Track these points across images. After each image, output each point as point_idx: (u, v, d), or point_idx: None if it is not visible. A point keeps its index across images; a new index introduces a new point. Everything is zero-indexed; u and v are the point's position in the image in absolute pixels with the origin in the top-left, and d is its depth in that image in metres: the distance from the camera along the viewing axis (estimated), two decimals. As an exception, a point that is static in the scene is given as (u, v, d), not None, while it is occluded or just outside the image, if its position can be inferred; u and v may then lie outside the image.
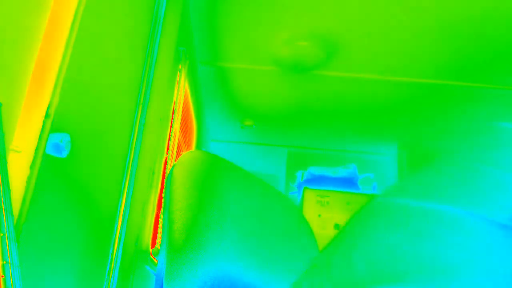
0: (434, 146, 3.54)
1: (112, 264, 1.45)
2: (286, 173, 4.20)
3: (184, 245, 0.76)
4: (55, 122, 0.98)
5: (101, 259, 1.42)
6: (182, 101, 2.25)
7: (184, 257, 0.75)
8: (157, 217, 1.93)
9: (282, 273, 0.90)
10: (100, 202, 1.39)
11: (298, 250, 1.01)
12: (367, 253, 0.57)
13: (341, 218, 3.32)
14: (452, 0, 2.16)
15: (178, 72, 2.16)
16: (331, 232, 3.26)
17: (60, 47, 1.00)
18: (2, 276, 0.67)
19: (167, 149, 2.06)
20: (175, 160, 2.08)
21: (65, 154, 1.04)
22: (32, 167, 0.91)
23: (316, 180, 3.60)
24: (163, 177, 1.97)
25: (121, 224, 1.50)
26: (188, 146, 3.05)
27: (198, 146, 3.44)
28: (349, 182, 3.58)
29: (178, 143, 2.42)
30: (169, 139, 2.08)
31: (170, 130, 2.10)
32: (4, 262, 0.69)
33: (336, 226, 3.30)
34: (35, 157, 0.91)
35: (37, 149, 0.92)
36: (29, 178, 0.90)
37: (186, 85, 2.55)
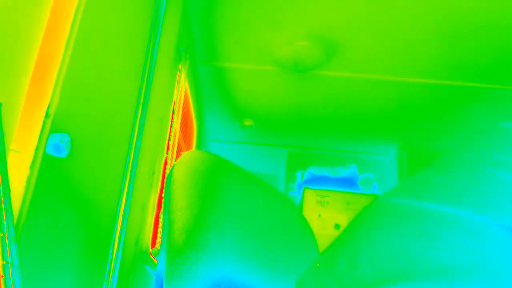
0: (434, 146, 3.54)
1: (112, 264, 1.45)
2: (286, 173, 4.20)
3: (184, 245, 0.76)
4: (55, 122, 0.98)
5: (101, 259, 1.42)
6: (182, 101, 2.25)
7: (184, 257, 0.75)
8: (157, 217, 1.93)
9: (282, 273, 0.90)
10: (100, 202, 1.39)
11: (298, 250, 1.01)
12: (371, 253, 0.57)
13: (341, 218, 3.32)
14: (452, 0, 2.16)
15: (178, 72, 2.16)
16: (331, 232, 3.26)
17: (60, 47, 1.00)
18: (2, 276, 0.67)
19: (167, 149, 2.06)
20: (175, 160, 2.08)
21: (65, 154, 1.04)
22: (32, 167, 0.91)
23: (316, 180, 3.60)
24: (163, 177, 1.97)
25: (121, 224, 1.50)
26: (188, 146, 3.05)
27: (198, 146, 3.44)
28: (349, 182, 3.58)
29: (178, 143, 2.42)
30: (169, 139, 2.08)
31: (170, 130, 2.10)
32: (4, 262, 0.69)
33: (336, 226, 3.30)
34: (35, 157, 0.91)
35: (37, 149, 0.92)
36: (29, 178, 0.90)
37: (186, 85, 2.55)
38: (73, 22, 1.04)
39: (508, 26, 2.31)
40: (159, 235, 2.02)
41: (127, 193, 1.54)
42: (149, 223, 1.78)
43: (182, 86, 2.24)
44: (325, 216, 3.36)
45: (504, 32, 2.36)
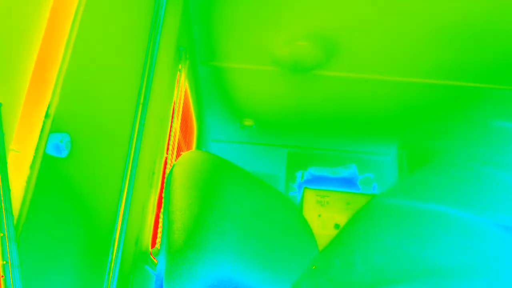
0: (434, 146, 3.54)
1: (112, 264, 1.45)
2: (286, 173, 4.20)
3: (184, 245, 0.76)
4: (55, 122, 0.98)
5: (101, 259, 1.42)
6: (182, 101, 2.25)
7: (184, 257, 0.75)
8: (157, 217, 1.93)
9: (282, 273, 0.90)
10: (100, 202, 1.39)
11: (298, 250, 1.01)
12: (366, 254, 0.56)
13: (341, 218, 3.32)
14: (452, 0, 2.16)
15: (178, 72, 2.16)
16: (331, 232, 3.26)
17: (60, 47, 1.00)
18: (2, 276, 0.67)
19: (167, 149, 2.06)
20: (175, 160, 2.08)
21: (65, 154, 1.04)
22: (32, 167, 0.91)
23: (316, 180, 3.60)
24: (163, 177, 1.97)
25: (121, 224, 1.50)
26: (188, 146, 3.05)
27: (198, 146, 3.44)
28: (349, 182, 3.58)
29: (178, 143, 2.42)
30: (169, 139, 2.08)
31: (170, 130, 2.10)
32: (4, 262, 0.69)
33: (336, 226, 3.30)
34: (35, 157, 0.91)
35: (37, 149, 0.92)
36: (29, 178, 0.90)
37: (186, 85, 2.55)
38: (73, 22, 1.04)
39: (508, 26, 2.31)
40: (159, 235, 2.02)
41: (127, 193, 1.54)
42: (149, 223, 1.78)
43: (182, 86, 2.24)
44: (325, 216, 3.36)
45: (504, 32, 2.36)
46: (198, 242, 0.77)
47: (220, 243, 0.80)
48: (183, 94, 2.26)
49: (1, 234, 0.70)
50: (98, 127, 1.32)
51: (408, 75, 2.83)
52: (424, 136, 3.63)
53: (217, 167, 0.91)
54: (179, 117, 2.22)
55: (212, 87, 3.22)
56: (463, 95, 3.00)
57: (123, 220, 1.51)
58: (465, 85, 2.87)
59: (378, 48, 2.58)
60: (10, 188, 0.76)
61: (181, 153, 2.62)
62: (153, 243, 1.92)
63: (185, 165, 0.86)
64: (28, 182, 0.90)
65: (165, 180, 0.86)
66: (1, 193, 0.73)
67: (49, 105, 0.96)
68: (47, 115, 0.95)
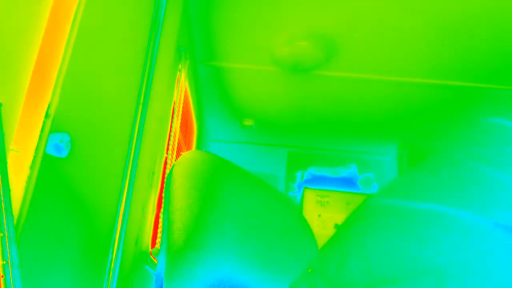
0: (435, 146, 3.54)
1: (112, 264, 1.45)
2: (286, 173, 4.20)
3: (184, 245, 0.76)
4: (55, 122, 0.98)
5: (101, 259, 1.42)
6: (182, 101, 2.25)
7: (184, 257, 0.75)
8: (157, 217, 1.93)
9: (282, 273, 0.90)
10: (100, 202, 1.39)
11: (298, 250, 1.01)
12: (361, 255, 0.56)
13: (341, 218, 3.32)
14: (452, 1, 2.16)
15: (178, 72, 2.16)
16: (331, 232, 3.26)
17: (60, 47, 1.00)
18: (2, 276, 0.67)
19: (167, 149, 2.06)
20: (175, 160, 2.08)
21: (65, 154, 1.04)
22: (32, 167, 0.91)
23: (316, 180, 3.60)
24: (163, 177, 1.97)
25: (121, 224, 1.50)
26: (188, 146, 3.05)
27: (198, 146, 3.44)
28: (349, 182, 3.58)
29: (178, 143, 2.42)
30: (169, 139, 2.08)
31: (170, 130, 2.10)
32: (4, 262, 0.69)
33: (336, 226, 3.30)
34: (35, 157, 0.91)
35: (37, 149, 0.92)
36: (29, 178, 0.90)
37: (186, 85, 2.55)
38: (73, 22, 1.04)
39: (509, 26, 2.31)
40: (159, 235, 2.02)
41: (127, 193, 1.54)
42: (149, 223, 1.78)
43: (182, 86, 2.24)
44: (325, 216, 3.36)
45: (504, 32, 2.36)
46: (198, 242, 0.77)
47: (220, 243, 0.80)
48: (183, 94, 2.26)
49: (1, 234, 0.70)
50: (98, 127, 1.32)
51: (408, 75, 2.83)
52: (424, 136, 3.64)
53: (217, 167, 0.91)
54: (179, 117, 2.22)
55: (212, 87, 3.22)
56: (463, 95, 3.00)
57: (123, 220, 1.51)
58: (465, 85, 2.87)
59: (378, 48, 2.58)
60: (10, 188, 0.76)
61: (181, 153, 2.62)
62: (153, 243, 1.92)
63: (185, 165, 0.86)
64: (28, 182, 0.90)
65: (165, 180, 0.86)
66: (1, 193, 0.73)
67: (49, 105, 0.96)
68: (47, 115, 0.95)
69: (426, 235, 0.53)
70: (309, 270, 0.63)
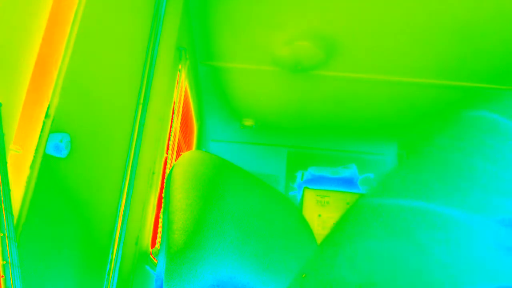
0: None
1: (112, 264, 1.45)
2: (286, 173, 4.20)
3: (184, 245, 0.76)
4: (55, 122, 0.98)
5: (101, 259, 1.42)
6: (182, 101, 2.25)
7: (184, 257, 0.75)
8: (157, 217, 1.93)
9: (282, 273, 0.90)
10: (100, 202, 1.39)
11: (298, 250, 1.01)
12: (352, 257, 0.56)
13: (341, 218, 3.31)
14: (453, 0, 2.16)
15: (178, 72, 2.16)
16: (331, 232, 3.26)
17: (60, 47, 1.00)
18: (2, 276, 0.67)
19: (167, 149, 2.06)
20: (175, 160, 2.07)
21: (65, 154, 1.04)
22: (32, 167, 0.91)
23: (316, 180, 3.60)
24: (163, 177, 1.97)
25: (121, 224, 1.50)
26: (188, 146, 3.05)
27: (198, 146, 3.44)
28: (349, 182, 3.58)
29: (178, 143, 2.42)
30: (169, 139, 2.08)
31: (170, 130, 2.10)
32: (4, 262, 0.69)
33: (336, 226, 3.29)
34: (35, 157, 0.91)
35: (37, 149, 0.92)
36: (29, 178, 0.90)
37: (186, 85, 2.55)
38: (73, 22, 1.04)
39: (509, 27, 2.31)
40: (159, 235, 2.02)
41: (127, 193, 1.54)
42: (149, 223, 1.78)
43: (182, 86, 2.24)
44: (325, 216, 3.36)
45: (504, 33, 2.36)
46: (198, 243, 0.77)
47: (220, 244, 0.80)
48: (183, 94, 2.26)
49: (1, 234, 0.70)
50: (98, 127, 1.32)
51: (408, 75, 2.83)
52: (424, 136, 3.63)
53: (217, 167, 0.91)
54: (179, 117, 2.22)
55: (212, 87, 3.22)
56: (463, 95, 3.00)
57: (123, 220, 1.51)
58: (465, 85, 2.87)
59: (378, 48, 2.58)
60: (10, 188, 0.76)
61: (181, 153, 2.62)
62: (153, 243, 1.92)
63: (185, 165, 0.86)
64: (28, 182, 0.90)
65: (165, 180, 0.86)
66: (1, 193, 0.73)
67: (49, 105, 0.96)
68: (47, 115, 0.95)
69: (417, 234, 0.53)
70: (303, 276, 0.63)
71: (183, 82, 2.24)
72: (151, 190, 1.76)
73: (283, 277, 0.90)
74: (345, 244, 0.58)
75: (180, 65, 2.16)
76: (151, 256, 1.80)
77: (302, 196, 3.47)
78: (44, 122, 0.94)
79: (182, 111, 2.33)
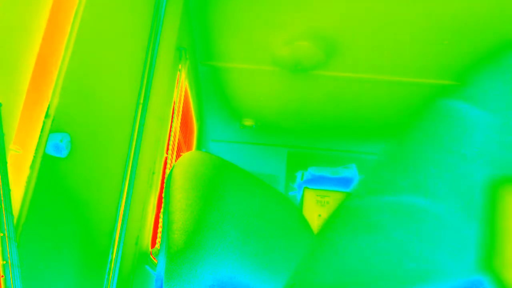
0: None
1: (112, 264, 1.45)
2: (286, 173, 4.20)
3: (184, 245, 0.76)
4: (55, 122, 0.98)
5: (101, 259, 1.42)
6: (182, 101, 2.25)
7: (184, 257, 0.75)
8: (157, 217, 1.93)
9: (282, 273, 0.90)
10: (100, 202, 1.39)
11: (298, 250, 1.01)
12: (334, 261, 0.56)
13: (341, 218, 3.31)
14: (453, 0, 2.16)
15: (178, 72, 2.16)
16: (331, 232, 3.26)
17: (60, 47, 1.00)
18: (2, 276, 0.67)
19: (167, 149, 2.06)
20: (175, 160, 2.07)
21: (65, 154, 1.04)
22: (32, 167, 0.91)
23: (316, 180, 3.60)
24: (163, 177, 1.97)
25: (121, 224, 1.50)
26: (188, 146, 3.05)
27: (198, 146, 3.44)
28: (349, 182, 3.58)
29: (178, 143, 2.42)
30: (169, 139, 2.08)
31: (170, 130, 2.10)
32: (4, 262, 0.69)
33: (336, 226, 3.29)
34: (35, 157, 0.91)
35: (37, 149, 0.92)
36: (29, 178, 0.90)
37: (186, 85, 2.55)
38: (73, 22, 1.04)
39: (509, 27, 2.31)
40: (159, 235, 2.02)
41: (127, 193, 1.54)
42: (149, 223, 1.78)
43: (182, 86, 2.24)
44: (325, 216, 3.36)
45: (505, 33, 2.36)
46: (198, 243, 0.77)
47: (220, 244, 0.80)
48: (183, 94, 2.26)
49: (1, 234, 0.70)
50: (98, 127, 1.32)
51: (408, 75, 2.83)
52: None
53: (217, 167, 0.91)
54: (179, 117, 2.22)
55: (212, 87, 3.22)
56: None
57: (123, 220, 1.51)
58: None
59: (378, 48, 2.58)
60: (10, 188, 0.76)
61: (181, 153, 2.62)
62: (153, 243, 1.92)
63: (185, 166, 0.86)
64: (28, 182, 0.90)
65: (165, 181, 0.86)
66: (1, 193, 0.73)
67: (49, 105, 0.96)
68: (47, 115, 0.95)
69: (391, 230, 0.53)
70: (293, 284, 0.63)
71: (183, 82, 2.24)
72: (151, 190, 1.76)
73: (283, 277, 0.90)
74: (326, 248, 0.59)
75: (180, 65, 2.16)
76: (151, 256, 1.80)
77: (302, 196, 3.47)
78: (44, 122, 0.94)
79: (182, 111, 2.33)
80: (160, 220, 1.99)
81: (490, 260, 0.47)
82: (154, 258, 1.81)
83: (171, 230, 0.77)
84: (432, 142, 0.59)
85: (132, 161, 1.58)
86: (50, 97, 0.96)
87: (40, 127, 0.93)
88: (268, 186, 1.04)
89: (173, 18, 1.95)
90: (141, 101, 1.66)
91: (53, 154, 1.01)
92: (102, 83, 1.32)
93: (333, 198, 3.41)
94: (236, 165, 0.96)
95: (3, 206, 0.73)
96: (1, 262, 0.68)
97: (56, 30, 0.99)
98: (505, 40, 2.42)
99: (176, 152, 2.31)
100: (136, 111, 1.65)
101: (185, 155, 0.89)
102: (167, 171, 2.07)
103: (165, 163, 2.04)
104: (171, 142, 2.13)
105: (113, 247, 1.47)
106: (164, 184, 0.86)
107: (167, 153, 2.05)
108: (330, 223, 0.63)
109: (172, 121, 2.11)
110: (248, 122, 3.73)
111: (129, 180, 1.56)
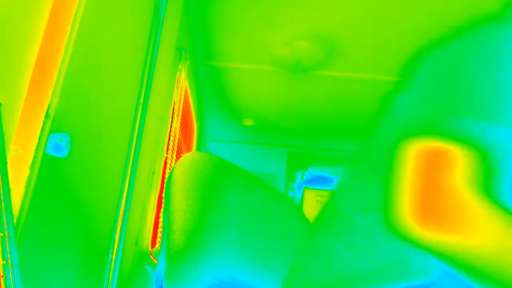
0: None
1: (112, 264, 1.45)
2: (286, 173, 4.20)
3: (184, 245, 0.76)
4: (55, 122, 0.98)
5: (101, 259, 1.42)
6: (182, 101, 2.25)
7: (184, 257, 0.75)
8: (157, 217, 1.93)
9: (282, 273, 0.90)
10: (100, 202, 1.39)
11: (298, 250, 1.01)
12: (315, 267, 0.58)
13: (341, 218, 3.31)
14: (452, 0, 2.16)
15: (178, 72, 2.16)
16: (331, 232, 3.26)
17: (60, 47, 1.00)
18: (2, 276, 0.67)
19: (167, 149, 2.06)
20: (175, 161, 2.07)
21: (65, 154, 1.04)
22: (32, 167, 0.91)
23: (316, 180, 3.60)
24: (163, 177, 1.97)
25: (121, 224, 1.50)
26: (188, 146, 3.05)
27: (198, 146, 3.44)
28: (349, 182, 3.57)
29: (178, 143, 2.42)
30: (169, 139, 2.08)
31: (170, 130, 2.10)
32: (4, 262, 0.69)
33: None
34: (35, 157, 0.91)
35: (37, 149, 0.92)
36: (29, 178, 0.90)
37: (186, 85, 2.55)
38: (73, 22, 1.04)
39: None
40: (159, 235, 2.02)
41: (127, 193, 1.54)
42: (149, 223, 1.78)
43: (182, 86, 2.24)
44: (325, 216, 3.36)
45: (504, 33, 2.36)
46: (198, 243, 0.77)
47: (220, 244, 0.80)
48: (183, 94, 2.26)
49: (1, 234, 0.70)
50: (98, 127, 1.32)
51: (408, 75, 2.83)
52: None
53: (217, 168, 0.91)
54: (179, 117, 2.22)
55: (212, 87, 3.22)
56: (463, 95, 3.00)
57: (123, 220, 1.51)
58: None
59: (378, 48, 2.58)
60: (10, 188, 0.76)
61: (181, 153, 2.62)
62: (153, 243, 1.92)
63: (185, 166, 0.86)
64: (28, 182, 0.90)
65: (165, 181, 0.86)
66: (1, 193, 0.73)
67: (49, 105, 0.96)
68: (47, 115, 0.95)
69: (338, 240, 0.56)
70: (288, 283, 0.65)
71: (183, 82, 2.24)
72: (151, 190, 1.76)
73: (283, 276, 0.90)
74: (308, 256, 0.61)
75: (180, 65, 2.16)
76: (151, 256, 1.80)
77: (302, 196, 3.47)
78: (44, 122, 0.94)
79: (182, 111, 2.33)
80: (160, 220, 1.99)
81: (390, 212, 0.49)
82: (154, 258, 1.81)
83: (171, 230, 0.77)
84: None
85: (132, 161, 1.58)
86: (50, 97, 0.96)
87: (40, 127, 0.93)
88: (268, 186, 1.04)
89: (173, 18, 1.95)
90: (141, 101, 1.66)
91: (53, 154, 1.01)
92: (102, 83, 1.32)
93: (333, 198, 3.41)
94: (236, 165, 0.96)
95: (3, 206, 0.73)
96: (1, 262, 0.68)
97: (56, 30, 0.99)
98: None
99: (176, 152, 2.31)
100: (136, 111, 1.65)
101: (185, 156, 0.89)
102: (167, 171, 2.07)
103: (165, 163, 2.04)
104: (171, 142, 2.13)
105: (113, 247, 1.47)
106: (165, 185, 0.86)
107: (167, 153, 2.05)
108: (316, 226, 0.66)
109: (172, 121, 2.11)
110: (248, 122, 3.73)
111: (129, 180, 1.56)
